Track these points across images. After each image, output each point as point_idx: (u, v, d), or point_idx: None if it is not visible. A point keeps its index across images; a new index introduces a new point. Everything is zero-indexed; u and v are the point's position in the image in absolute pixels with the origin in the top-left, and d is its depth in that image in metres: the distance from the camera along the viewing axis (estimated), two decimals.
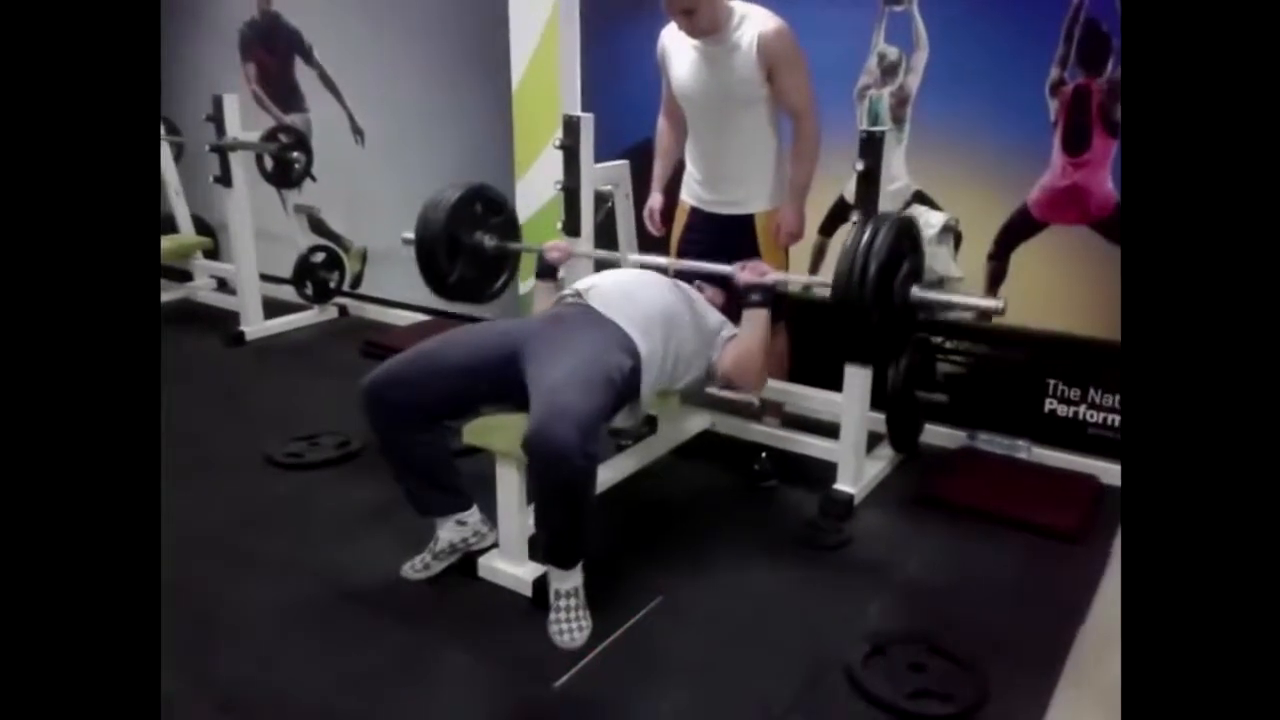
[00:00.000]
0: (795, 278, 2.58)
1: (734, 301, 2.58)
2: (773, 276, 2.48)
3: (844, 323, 2.15)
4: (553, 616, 2.11)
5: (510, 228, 2.91)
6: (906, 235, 2.19)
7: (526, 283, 4.09)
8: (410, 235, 2.78)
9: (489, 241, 2.83)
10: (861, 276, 2.08)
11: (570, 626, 2.09)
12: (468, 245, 2.79)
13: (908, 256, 2.18)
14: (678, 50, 2.78)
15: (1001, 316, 2.19)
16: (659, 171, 3.11)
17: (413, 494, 2.35)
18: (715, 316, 2.61)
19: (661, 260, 2.76)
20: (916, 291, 2.18)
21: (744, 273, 2.47)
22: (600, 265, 3.13)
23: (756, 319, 2.47)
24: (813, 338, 3.04)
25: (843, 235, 3.16)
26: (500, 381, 2.22)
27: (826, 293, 2.16)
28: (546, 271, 2.77)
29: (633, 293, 2.43)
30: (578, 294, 2.44)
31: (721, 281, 2.77)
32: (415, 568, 2.37)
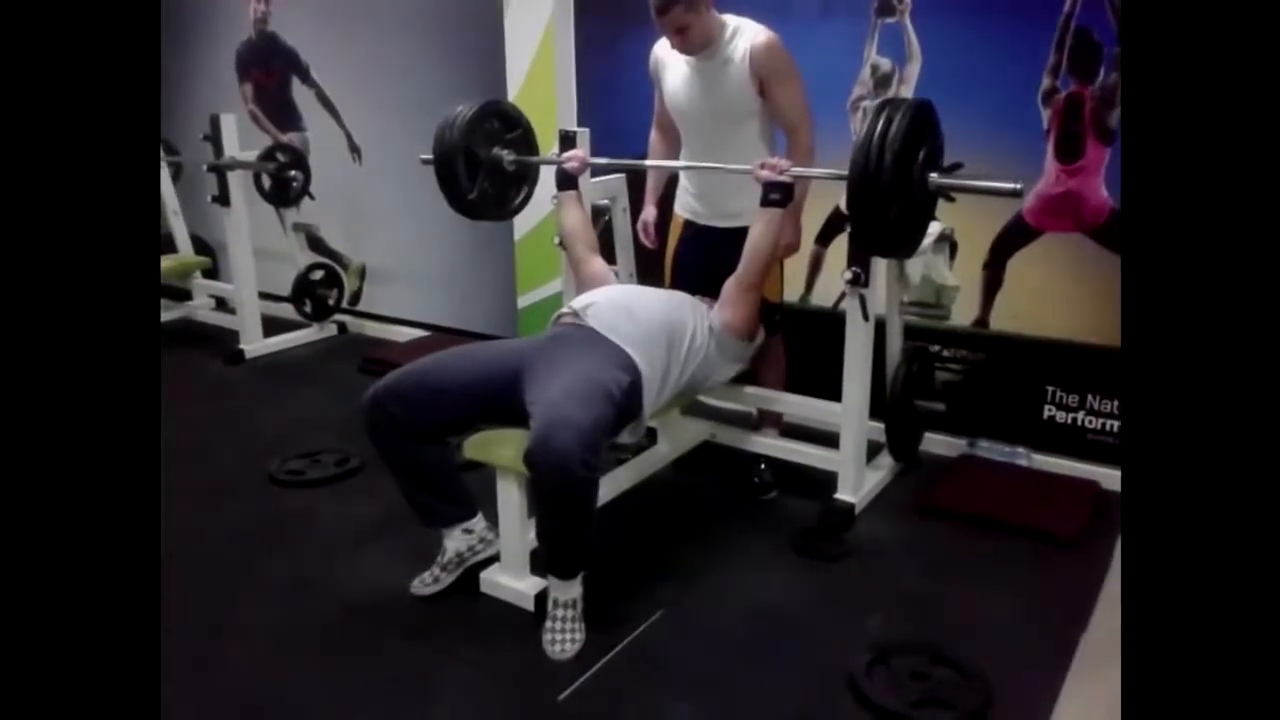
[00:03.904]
0: (814, 172, 2.58)
1: None
2: (792, 171, 2.50)
3: (862, 214, 2.13)
4: (547, 625, 2.11)
5: (527, 141, 2.94)
6: (923, 120, 2.16)
7: (525, 296, 4.11)
8: (428, 156, 2.81)
9: (507, 156, 2.85)
10: (878, 166, 2.06)
11: (564, 637, 2.10)
12: (486, 161, 2.82)
13: (924, 142, 2.15)
14: (671, 64, 2.79)
15: (1020, 198, 2.16)
16: (652, 185, 3.12)
17: (417, 505, 2.35)
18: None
19: (670, 164, 2.82)
20: (934, 177, 2.17)
21: (763, 170, 2.49)
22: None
23: (772, 217, 2.52)
24: (811, 348, 3.05)
25: (841, 245, 3.18)
26: (499, 402, 2.23)
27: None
28: (567, 182, 2.82)
29: (631, 309, 2.42)
30: (575, 313, 2.43)
31: (716, 290, 2.78)
32: (425, 582, 2.36)
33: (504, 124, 2.89)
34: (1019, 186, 2.13)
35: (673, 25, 2.56)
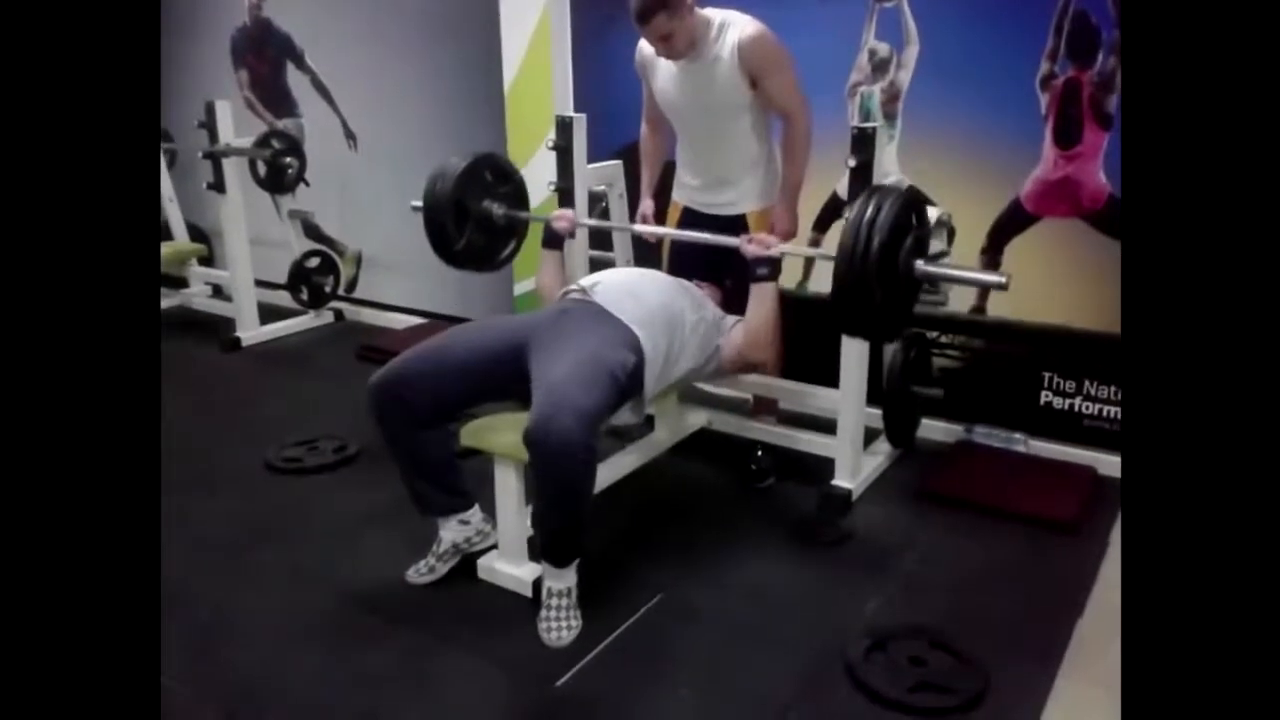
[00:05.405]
0: (801, 250, 2.56)
1: (738, 285, 2.59)
2: (779, 248, 2.49)
3: (847, 298, 2.13)
4: (543, 614, 2.12)
5: (518, 196, 2.92)
6: (911, 208, 2.16)
7: (522, 283, 4.10)
8: (418, 203, 2.78)
9: (497, 209, 2.82)
10: (865, 251, 2.05)
11: (559, 625, 2.10)
12: (475, 213, 2.79)
13: (912, 230, 2.16)
14: (659, 62, 2.75)
15: (1005, 290, 2.16)
16: (647, 178, 3.11)
17: (416, 493, 2.36)
18: (715, 312, 2.63)
19: (662, 230, 2.75)
20: (920, 265, 2.17)
21: (750, 245, 2.47)
22: (595, 265, 3.15)
23: (765, 293, 2.50)
24: (807, 335, 3.04)
25: (837, 232, 3.17)
26: (506, 378, 2.24)
27: (830, 266, 2.13)
28: (552, 240, 2.80)
29: (637, 290, 2.45)
30: (583, 290, 2.45)
31: (718, 277, 2.78)
32: (420, 571, 2.37)
33: (496, 177, 2.85)
34: (1004, 280, 2.12)
35: (656, 34, 2.53)
